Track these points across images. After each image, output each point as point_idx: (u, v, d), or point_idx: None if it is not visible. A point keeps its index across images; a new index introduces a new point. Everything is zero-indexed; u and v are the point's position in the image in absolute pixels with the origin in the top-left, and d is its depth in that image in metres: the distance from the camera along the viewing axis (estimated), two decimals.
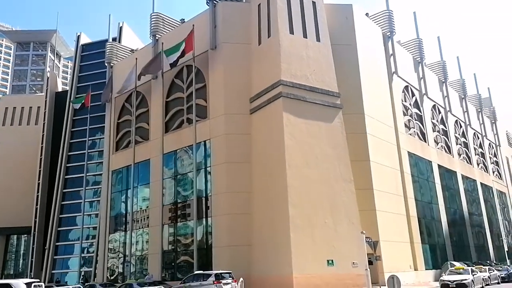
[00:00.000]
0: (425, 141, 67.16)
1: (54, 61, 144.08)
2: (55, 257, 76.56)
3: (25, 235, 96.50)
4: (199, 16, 56.94)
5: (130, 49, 71.08)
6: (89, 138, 72.69)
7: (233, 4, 56.50)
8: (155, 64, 57.90)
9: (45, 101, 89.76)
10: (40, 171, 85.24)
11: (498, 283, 52.63)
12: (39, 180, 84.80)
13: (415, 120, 66.16)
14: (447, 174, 72.12)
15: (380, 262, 44.82)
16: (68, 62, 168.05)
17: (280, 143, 45.29)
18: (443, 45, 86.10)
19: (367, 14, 62.43)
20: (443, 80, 78.63)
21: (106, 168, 65.23)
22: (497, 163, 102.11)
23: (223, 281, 38.69)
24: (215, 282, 38.49)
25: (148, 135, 59.66)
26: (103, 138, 70.95)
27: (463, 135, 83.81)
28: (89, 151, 73.06)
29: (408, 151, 60.63)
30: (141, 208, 58.75)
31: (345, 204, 45.67)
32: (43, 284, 35.16)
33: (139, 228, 58.02)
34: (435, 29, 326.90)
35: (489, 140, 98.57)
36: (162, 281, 49.36)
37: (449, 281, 43.65)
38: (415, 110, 66.68)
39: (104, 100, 67.68)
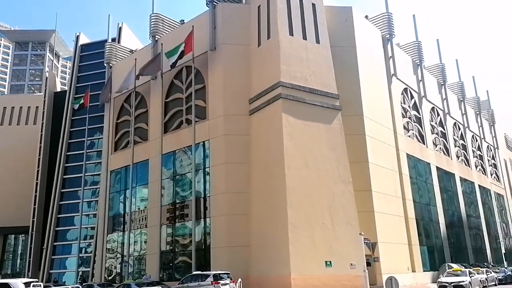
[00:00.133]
0: (424, 143, 67.27)
1: (53, 61, 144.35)
2: (52, 257, 76.47)
3: (23, 235, 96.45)
4: (199, 17, 56.97)
5: (129, 50, 71.08)
6: (88, 138, 72.59)
7: (232, 6, 56.53)
8: (155, 64, 57.91)
9: (44, 101, 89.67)
10: (38, 171, 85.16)
11: (495, 285, 52.93)
12: (37, 180, 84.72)
13: (414, 122, 66.25)
14: (445, 176, 72.24)
15: (378, 263, 44.89)
16: (67, 62, 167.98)
17: (279, 144, 45.35)
18: (442, 48, 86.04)
19: (366, 17, 62.49)
20: (442, 83, 78.73)
21: (104, 168, 65.20)
22: (495, 166, 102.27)
23: (221, 282, 38.55)
24: (213, 282, 38.37)
25: (147, 136, 59.67)
26: (102, 138, 70.80)
27: (462, 137, 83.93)
28: (87, 151, 72.99)
29: (406, 153, 60.71)
30: (139, 209, 58.72)
31: (343, 205, 45.73)
32: (41, 283, 35.14)
33: (137, 228, 58.00)
34: (434, 32, 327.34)
35: (487, 143, 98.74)
36: (160, 281, 49.39)
37: (447, 282, 43.78)
38: (414, 112, 66.77)
39: (102, 101, 67.61)
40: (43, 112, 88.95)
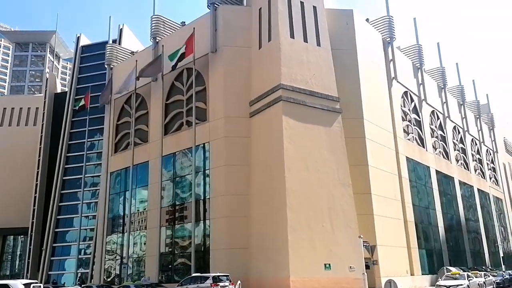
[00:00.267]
0: (424, 147, 67.32)
1: (53, 62, 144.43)
2: (52, 258, 76.38)
3: (22, 236, 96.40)
4: (200, 19, 57.00)
5: (130, 51, 71.18)
6: (88, 140, 72.70)
7: (233, 8, 56.58)
8: (155, 66, 57.99)
9: (44, 102, 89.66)
10: (38, 172, 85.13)
11: None
12: (37, 181, 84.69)
13: (414, 125, 66.31)
14: (445, 180, 72.27)
15: (377, 266, 45.02)
16: (67, 63, 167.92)
17: (279, 146, 45.40)
18: (442, 50, 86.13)
19: (367, 20, 62.54)
20: (442, 86, 78.82)
21: (104, 170, 65.23)
22: (494, 169, 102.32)
23: (221, 284, 38.53)
24: (212, 284, 38.33)
25: (147, 137, 59.70)
26: (102, 139, 70.80)
27: (461, 141, 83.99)
28: (87, 152, 73.14)
29: (406, 156, 60.74)
30: (139, 210, 58.75)
31: (343, 208, 45.75)
32: (41, 285, 35.08)
33: (137, 230, 58.03)
34: (435, 34, 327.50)
35: (487, 147, 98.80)
36: (159, 283, 49.42)
37: (445, 286, 43.92)
38: (414, 116, 66.83)
39: (102, 102, 67.60)
40: (43, 113, 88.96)
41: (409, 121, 65.24)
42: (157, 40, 61.69)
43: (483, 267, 69.81)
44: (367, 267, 41.00)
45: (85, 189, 72.06)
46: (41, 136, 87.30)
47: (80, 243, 69.77)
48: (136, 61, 60.93)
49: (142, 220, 57.60)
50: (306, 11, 52.64)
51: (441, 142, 74.76)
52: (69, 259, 74.46)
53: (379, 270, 46.02)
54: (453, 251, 68.05)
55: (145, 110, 61.27)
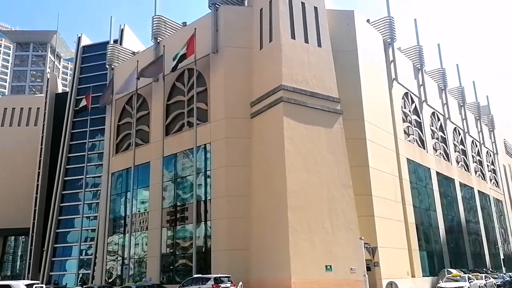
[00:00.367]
0: (424, 148, 67.35)
1: (54, 62, 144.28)
2: (53, 259, 76.42)
3: (23, 237, 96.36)
4: (201, 19, 57.00)
5: (131, 52, 71.16)
6: (89, 140, 72.76)
7: (235, 8, 56.56)
8: (156, 67, 58.01)
9: (45, 102, 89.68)
10: (39, 172, 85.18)
11: None
12: (38, 181, 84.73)
13: (414, 127, 66.33)
14: (445, 181, 72.31)
15: (378, 268, 45.02)
16: (68, 64, 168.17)
17: (280, 147, 45.41)
18: (443, 51, 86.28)
19: (368, 21, 62.54)
20: (443, 88, 78.90)
21: (105, 170, 65.23)
22: (494, 171, 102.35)
23: (222, 285, 38.43)
24: (214, 286, 38.24)
25: (148, 138, 59.69)
26: (103, 140, 70.85)
27: (462, 142, 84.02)
28: (89, 153, 73.22)
29: (407, 158, 60.76)
30: (140, 211, 58.78)
31: (344, 209, 45.78)
32: (43, 285, 35.07)
33: (138, 231, 58.02)
34: (435, 35, 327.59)
35: (487, 148, 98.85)
36: (161, 284, 49.43)
37: None
38: (414, 117, 66.86)
39: (103, 103, 67.55)
40: (44, 113, 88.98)
41: (410, 122, 65.27)
42: (158, 41, 61.71)
43: (484, 269, 69.98)
44: (368, 268, 41.03)
45: (86, 190, 72.17)
46: (42, 136, 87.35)
47: (81, 244, 69.78)
48: (137, 61, 60.91)
49: (143, 221, 57.62)
50: (307, 11, 52.66)
51: (442, 144, 74.79)
52: (70, 260, 74.56)
53: (380, 271, 46.06)
54: (454, 253, 68.05)
55: (146, 110, 61.26)
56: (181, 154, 55.06)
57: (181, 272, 51.22)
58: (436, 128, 73.82)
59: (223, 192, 48.49)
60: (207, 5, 55.71)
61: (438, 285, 46.43)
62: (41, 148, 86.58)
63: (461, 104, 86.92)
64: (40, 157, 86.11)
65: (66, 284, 68.41)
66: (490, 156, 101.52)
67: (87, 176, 71.76)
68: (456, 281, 45.72)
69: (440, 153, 73.53)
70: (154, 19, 62.44)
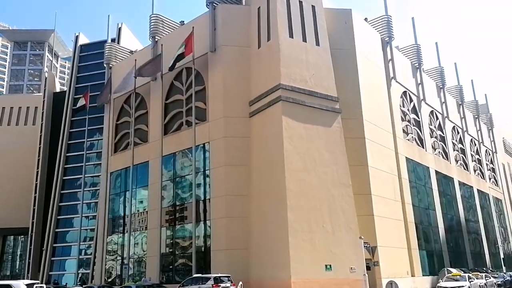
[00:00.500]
0: (423, 147, 67.28)
1: (52, 61, 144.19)
2: (52, 258, 76.48)
3: (22, 236, 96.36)
4: (199, 18, 56.91)
5: (129, 50, 71.03)
6: (87, 139, 72.61)
7: (232, 7, 56.50)
8: (154, 65, 57.86)
9: (43, 101, 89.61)
10: (37, 171, 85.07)
11: None
12: (36, 181, 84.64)
13: (413, 125, 66.25)
14: (444, 180, 72.27)
15: (378, 267, 44.84)
16: (65, 62, 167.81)
17: (279, 147, 45.35)
18: (441, 50, 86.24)
19: (366, 19, 62.43)
20: (441, 86, 78.86)
21: (104, 170, 65.08)
22: (493, 170, 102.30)
23: (222, 285, 38.36)
24: (214, 285, 38.19)
25: (147, 137, 59.56)
26: (102, 139, 70.72)
27: (460, 141, 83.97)
28: (87, 152, 73.15)
29: (406, 157, 60.70)
30: (139, 210, 58.66)
31: (343, 209, 45.72)
32: (44, 285, 34.94)
33: (137, 230, 57.91)
34: (433, 34, 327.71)
35: (486, 147, 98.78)
36: (160, 284, 49.34)
37: (446, 287, 43.80)
38: (413, 116, 66.79)
39: (101, 102, 67.35)
40: (42, 112, 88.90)
41: (408, 121, 65.19)
42: (156, 39, 61.50)
43: (484, 268, 69.82)
44: (368, 268, 40.99)
45: (85, 189, 72.11)
46: (40, 135, 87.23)
47: (81, 243, 69.67)
48: (135, 60, 60.76)
49: (142, 221, 57.51)
50: (304, 10, 52.56)
51: (441, 143, 74.74)
52: (70, 260, 74.56)
53: (380, 271, 45.97)
54: (454, 252, 68.01)
55: (144, 109, 61.13)
56: (180, 154, 54.95)
57: (181, 272, 51.12)
58: (434, 127, 73.77)
59: (222, 192, 48.39)
60: (204, 4, 55.58)
61: (438, 284, 46.36)
62: (40, 148, 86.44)
63: (460, 103, 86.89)
64: (39, 156, 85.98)
65: (66, 284, 68.24)
66: (489, 155, 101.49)
67: (85, 175, 71.70)
68: (456, 280, 45.65)
69: (439, 152, 73.48)
70: (152, 18, 62.27)
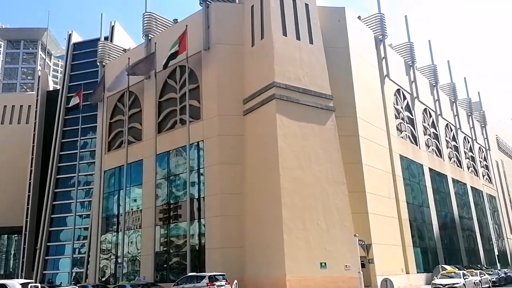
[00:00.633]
0: (417, 145, 67.41)
1: (45, 59, 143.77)
2: (46, 257, 76.31)
3: (16, 235, 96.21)
4: (192, 16, 56.82)
5: (122, 49, 70.83)
6: (81, 138, 72.57)
7: (226, 5, 56.44)
8: (147, 64, 57.69)
9: (36, 99, 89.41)
10: (31, 170, 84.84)
11: (489, 287, 52.72)
12: (30, 179, 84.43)
13: (407, 123, 66.37)
14: (438, 178, 72.44)
15: (373, 265, 44.81)
16: (59, 61, 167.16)
17: (274, 145, 45.33)
18: (434, 48, 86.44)
19: (359, 17, 62.47)
20: (434, 84, 79.05)
21: (98, 168, 64.88)
22: (487, 167, 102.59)
23: (217, 283, 38.38)
24: (208, 284, 38.15)
25: (141, 136, 59.42)
26: (95, 138, 70.51)
27: (454, 139, 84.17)
28: (81, 151, 72.98)
29: (400, 154, 60.82)
30: (133, 209, 58.52)
31: (337, 206, 45.75)
32: (39, 285, 34.75)
33: (131, 229, 57.83)
34: (426, 32, 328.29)
35: (479, 144, 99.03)
36: (155, 283, 49.24)
37: (441, 284, 43.87)
38: (406, 114, 66.89)
39: (94, 100, 67.22)
40: (36, 111, 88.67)
41: (402, 119, 65.29)
42: (149, 38, 61.32)
43: (478, 265, 69.97)
44: (363, 265, 40.91)
45: (78, 188, 71.95)
46: (34, 134, 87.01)
47: (75, 242, 69.54)
48: (129, 58, 60.54)
49: (136, 219, 57.40)
50: (298, 8, 52.52)
51: (434, 140, 74.91)
52: (64, 259, 74.33)
53: (375, 268, 46.01)
54: (448, 249, 68.21)
55: (138, 108, 60.97)
56: (174, 152, 54.86)
57: (175, 271, 51.06)
58: (428, 124, 73.92)
59: (216, 190, 48.36)
60: (198, 2, 55.48)
61: (433, 281, 46.38)
62: (33, 146, 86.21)
63: (453, 101, 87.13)
64: (32, 155, 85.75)
65: (61, 283, 68.05)
66: (483, 152, 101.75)
67: (79, 174, 71.53)
68: (451, 277, 45.58)
69: (433, 149, 73.66)
70: (145, 16, 62.10)
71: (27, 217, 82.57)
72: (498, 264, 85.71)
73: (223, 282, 39.06)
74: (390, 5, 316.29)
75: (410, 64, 71.04)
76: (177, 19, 61.69)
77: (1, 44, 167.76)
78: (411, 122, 67.86)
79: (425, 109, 73.59)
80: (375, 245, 46.00)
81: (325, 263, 42.52)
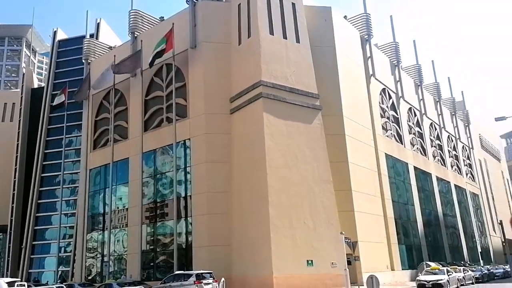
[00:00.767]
0: (402, 143, 67.92)
1: (29, 56, 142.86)
2: (31, 256, 75.98)
3: (1, 234, 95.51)
4: (179, 14, 56.68)
5: (108, 46, 70.63)
6: (66, 136, 72.19)
7: (213, 3, 56.38)
8: (133, 62, 57.50)
9: (21, 97, 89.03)
10: (16, 168, 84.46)
11: (472, 283, 53.38)
12: (15, 178, 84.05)
13: (392, 122, 66.86)
14: (423, 176, 73.05)
15: (359, 262, 45.43)
16: (43, 58, 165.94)
17: (260, 143, 45.46)
18: (419, 49, 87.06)
19: (345, 17, 62.78)
20: (419, 84, 79.67)
21: (83, 167, 64.56)
22: (470, 166, 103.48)
23: (204, 281, 38.40)
24: (195, 282, 38.20)
25: (127, 134, 59.24)
26: (81, 136, 70.16)
27: (438, 137, 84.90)
28: (66, 149, 72.67)
29: (385, 153, 61.31)
30: (119, 208, 58.37)
31: (324, 205, 46.01)
32: (25, 283, 34.71)
33: (118, 227, 57.69)
34: (411, 32, 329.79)
35: (463, 143, 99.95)
36: (142, 281, 49.20)
37: (425, 281, 44.19)
38: (392, 113, 67.35)
39: (79, 98, 66.91)
40: (20, 108, 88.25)
41: (388, 118, 65.77)
42: (135, 35, 61.06)
43: (462, 262, 70.70)
44: (349, 263, 41.27)
45: (64, 186, 71.61)
46: (18, 132, 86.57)
47: (60, 241, 69.21)
48: (115, 56, 60.24)
49: (122, 218, 57.26)
50: (285, 7, 52.64)
51: (419, 139, 75.51)
52: (49, 257, 74.04)
53: (361, 265, 46.46)
54: (432, 246, 68.88)
55: (124, 106, 60.79)
56: (161, 150, 54.76)
57: (162, 269, 51.03)
58: (413, 123, 74.52)
59: (203, 188, 48.37)
60: (184, 0, 55.41)
61: (417, 278, 46.75)
62: (18, 144, 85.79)
63: (437, 100, 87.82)
64: (17, 153, 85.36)
65: (47, 281, 67.75)
66: (466, 150, 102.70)
67: (64, 172, 71.20)
68: (435, 274, 45.99)
69: (417, 148, 74.24)
70: (131, 14, 61.78)
71: (12, 216, 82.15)
72: (481, 261, 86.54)
73: (210, 280, 39.05)
74: (376, 5, 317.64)
75: (396, 64, 71.50)
76: (163, 17, 61.49)
77: None
78: (396, 121, 68.33)
79: (410, 108, 74.15)
80: (361, 242, 46.48)
81: (311, 261, 42.77)
